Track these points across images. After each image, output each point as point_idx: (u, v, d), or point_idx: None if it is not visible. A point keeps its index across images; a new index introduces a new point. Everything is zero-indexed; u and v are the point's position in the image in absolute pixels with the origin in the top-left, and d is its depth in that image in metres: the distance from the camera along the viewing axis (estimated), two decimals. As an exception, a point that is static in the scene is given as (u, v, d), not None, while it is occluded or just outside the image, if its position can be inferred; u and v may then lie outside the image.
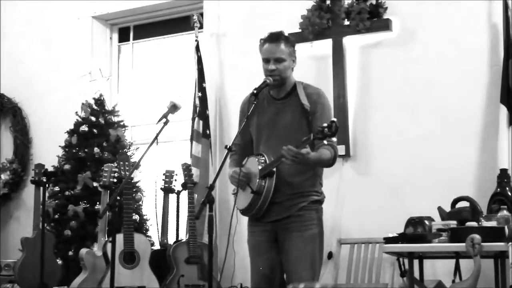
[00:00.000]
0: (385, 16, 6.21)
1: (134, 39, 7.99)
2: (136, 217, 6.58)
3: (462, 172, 5.82)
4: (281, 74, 4.43)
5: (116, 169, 6.11)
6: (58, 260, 6.57)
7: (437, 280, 5.42)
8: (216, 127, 6.93)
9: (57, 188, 6.85)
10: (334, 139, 4.32)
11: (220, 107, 6.96)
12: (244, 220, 4.64)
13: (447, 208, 5.10)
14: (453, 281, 5.09)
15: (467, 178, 5.80)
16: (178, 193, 6.50)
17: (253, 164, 4.42)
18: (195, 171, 6.51)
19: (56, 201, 6.82)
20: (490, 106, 5.79)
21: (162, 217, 6.48)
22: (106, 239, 6.00)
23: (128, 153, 6.84)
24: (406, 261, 4.98)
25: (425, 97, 6.07)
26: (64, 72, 7.85)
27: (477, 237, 4.42)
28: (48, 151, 7.42)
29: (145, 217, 6.90)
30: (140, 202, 6.87)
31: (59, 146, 7.09)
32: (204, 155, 6.69)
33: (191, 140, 6.74)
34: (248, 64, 6.41)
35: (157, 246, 6.55)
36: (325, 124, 4.03)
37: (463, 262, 5.09)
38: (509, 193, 5.19)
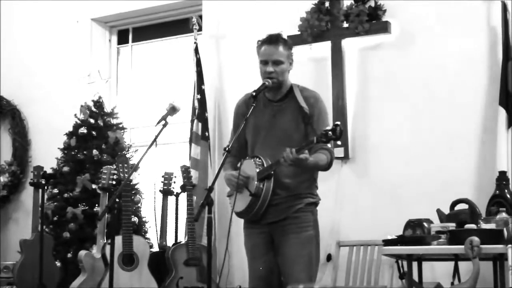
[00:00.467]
0: (384, 19, 6.22)
1: (133, 41, 8.00)
2: (135, 219, 6.58)
3: (461, 174, 5.83)
4: (279, 76, 4.43)
5: (115, 171, 6.11)
6: (57, 262, 6.58)
7: (436, 282, 5.42)
8: (215, 129, 6.93)
9: (56, 190, 6.85)
10: (329, 145, 4.34)
11: (219, 109, 6.97)
12: (243, 222, 4.64)
13: (446, 210, 5.10)
14: (452, 284, 5.09)
15: (466, 180, 5.81)
16: (177, 195, 6.50)
17: (250, 167, 4.41)
18: (194, 173, 6.51)
19: (55, 203, 6.81)
20: (489, 108, 5.79)
21: (161, 219, 6.48)
22: (105, 241, 5.99)
23: (127, 155, 6.83)
24: (405, 263, 4.97)
25: (424, 99, 6.07)
26: (63, 74, 7.85)
27: (476, 239, 4.42)
28: (47, 153, 7.42)
29: (144, 219, 6.90)
30: (139, 204, 6.87)
31: (58, 148, 7.08)
32: (203, 157, 6.69)
33: (190, 142, 6.74)
34: (247, 66, 6.42)
35: (156, 248, 6.55)
36: (329, 128, 4.03)
37: (462, 264, 5.08)
38: (508, 196, 5.19)
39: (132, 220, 6.26)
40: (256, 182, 4.34)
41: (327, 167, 4.42)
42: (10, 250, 7.53)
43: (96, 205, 6.57)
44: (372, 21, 6.22)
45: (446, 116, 5.97)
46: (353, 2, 6.31)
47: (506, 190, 5.23)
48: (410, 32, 6.17)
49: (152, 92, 7.77)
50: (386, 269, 5.94)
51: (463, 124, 5.90)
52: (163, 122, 4.56)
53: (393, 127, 6.17)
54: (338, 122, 4.08)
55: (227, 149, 4.24)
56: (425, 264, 5.42)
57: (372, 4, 6.25)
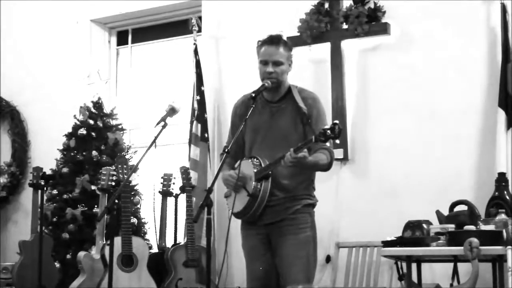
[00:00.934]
0: (384, 20, 6.22)
1: (133, 42, 8.00)
2: (134, 220, 6.57)
3: (460, 176, 5.83)
4: (278, 77, 4.44)
5: (114, 172, 6.11)
6: (56, 263, 6.57)
7: (435, 283, 5.41)
8: (214, 130, 6.93)
9: (55, 191, 6.85)
10: (328, 144, 4.34)
11: (219, 110, 6.97)
12: (240, 223, 4.64)
13: (445, 212, 5.10)
14: (451, 285, 5.09)
15: (465, 181, 5.81)
16: (176, 196, 6.50)
17: (248, 167, 4.41)
18: (193, 175, 6.51)
19: (54, 204, 6.81)
20: (488, 110, 5.79)
21: (160, 220, 6.48)
22: (104, 242, 5.99)
23: (126, 156, 6.82)
24: (404, 264, 4.98)
25: (423, 101, 6.07)
26: (62, 75, 7.85)
27: (475, 240, 4.42)
28: (46, 154, 7.42)
29: (143, 220, 6.90)
30: (138, 205, 6.87)
31: (57, 149, 7.08)
32: (203, 158, 6.69)
33: (190, 143, 6.74)
34: (247, 67, 6.42)
35: (155, 249, 6.54)
36: (327, 127, 4.04)
37: (461, 266, 5.08)
38: (507, 197, 5.20)
39: (132, 221, 6.25)
40: (253, 183, 4.34)
41: (327, 167, 4.41)
42: (9, 251, 7.53)
43: (96, 206, 6.57)
44: (372, 23, 6.22)
45: (445, 118, 5.97)
46: (352, 3, 6.31)
47: (505, 192, 5.23)
48: (409, 34, 6.18)
49: (151, 93, 7.77)
50: (385, 270, 5.94)
51: (462, 126, 5.90)
52: (162, 123, 4.56)
53: (393, 128, 6.17)
54: (337, 121, 4.08)
55: (226, 150, 4.24)
56: (424, 266, 5.42)
57: (372, 5, 6.25)
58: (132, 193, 6.63)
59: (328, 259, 6.19)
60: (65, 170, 6.89)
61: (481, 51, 5.90)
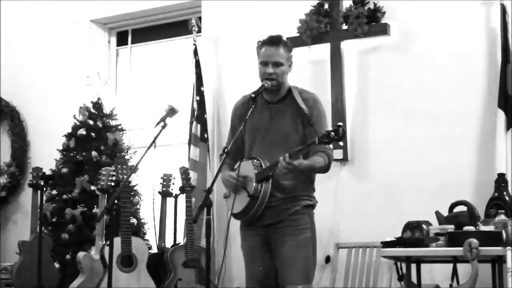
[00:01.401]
0: (383, 21, 6.22)
1: (132, 43, 8.00)
2: (133, 220, 6.57)
3: (459, 177, 5.83)
4: (279, 78, 4.44)
5: (114, 173, 6.11)
6: (55, 264, 6.58)
7: (434, 284, 5.42)
8: (214, 131, 6.93)
9: (54, 192, 6.86)
10: (330, 145, 4.34)
11: (218, 111, 6.97)
12: (239, 224, 4.64)
13: (445, 213, 5.10)
14: (451, 286, 5.09)
15: (464, 182, 5.81)
16: (176, 196, 6.50)
17: (248, 168, 4.41)
18: (193, 175, 6.51)
19: (54, 205, 6.82)
20: (488, 110, 5.79)
21: (160, 221, 6.48)
22: (104, 242, 5.99)
23: (126, 157, 6.83)
24: (403, 265, 4.98)
25: (423, 102, 6.07)
26: (62, 75, 7.85)
27: (474, 241, 4.42)
28: (46, 154, 7.43)
29: (142, 220, 6.90)
30: (138, 206, 6.87)
31: (57, 149, 7.09)
32: (202, 159, 6.69)
33: (189, 144, 6.74)
34: (246, 68, 6.42)
35: (154, 250, 6.54)
36: (331, 128, 4.04)
37: (460, 267, 5.09)
38: (507, 198, 5.19)
39: (131, 221, 6.25)
40: (254, 184, 4.34)
41: (324, 170, 4.42)
42: (8, 251, 7.53)
43: (95, 206, 6.57)
44: (371, 23, 6.22)
45: (445, 119, 5.97)
46: (352, 4, 6.31)
47: (505, 193, 5.22)
48: (409, 34, 6.18)
49: (151, 93, 7.77)
50: (384, 271, 5.94)
51: (462, 126, 5.90)
52: (162, 123, 4.57)
53: (392, 129, 6.17)
54: (341, 123, 4.09)
55: (226, 150, 4.24)
56: (423, 266, 5.41)
57: (371, 6, 6.25)
58: (132, 193, 6.63)
59: (327, 259, 6.19)
60: (64, 170, 6.89)
61: (481, 52, 5.90)
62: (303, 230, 4.43)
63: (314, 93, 4.61)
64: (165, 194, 6.47)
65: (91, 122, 7.01)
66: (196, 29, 6.94)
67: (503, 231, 4.52)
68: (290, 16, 6.51)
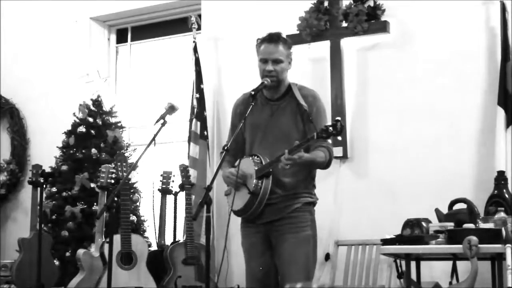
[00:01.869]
0: (383, 18, 6.22)
1: (132, 40, 8.01)
2: (133, 218, 6.57)
3: (459, 174, 5.83)
4: (278, 75, 4.44)
5: (114, 170, 6.11)
6: (55, 261, 6.57)
7: (434, 282, 5.42)
8: (213, 128, 6.93)
9: (54, 189, 6.86)
10: (329, 141, 4.34)
11: (218, 108, 6.97)
12: (240, 221, 4.64)
13: (444, 210, 5.10)
14: (450, 283, 5.10)
15: (464, 180, 5.81)
16: (176, 194, 6.50)
17: (248, 165, 4.41)
18: (192, 172, 6.51)
19: (54, 202, 6.82)
20: (488, 108, 5.80)
21: (160, 218, 6.48)
22: (104, 240, 6.00)
23: (126, 154, 6.83)
24: (403, 262, 4.98)
25: (423, 99, 6.08)
26: (62, 73, 7.85)
27: (474, 239, 4.43)
28: (45, 152, 7.43)
29: (142, 218, 6.90)
30: (138, 203, 6.87)
31: (57, 147, 7.09)
32: (202, 156, 6.69)
33: (189, 141, 6.74)
34: (246, 65, 6.42)
35: (154, 247, 6.55)
36: (329, 123, 4.04)
37: (460, 264, 5.10)
38: (506, 195, 5.20)
39: (131, 219, 6.25)
40: (254, 180, 4.34)
41: (325, 165, 4.41)
42: (8, 248, 7.53)
43: (95, 204, 6.57)
44: (371, 21, 6.22)
45: (444, 116, 5.98)
46: (352, 1, 6.32)
47: (504, 190, 5.23)
48: (409, 32, 6.18)
49: (151, 91, 7.77)
50: (384, 268, 5.94)
51: (461, 124, 5.90)
52: (161, 121, 4.56)
53: (392, 126, 6.18)
54: (339, 118, 4.09)
55: (225, 148, 4.24)
56: (423, 264, 5.42)
57: (371, 3, 6.25)
58: (132, 191, 6.63)
59: (327, 257, 6.19)
60: (64, 167, 6.89)
61: (481, 50, 5.90)
62: (304, 228, 4.42)
63: (314, 90, 4.61)
64: (164, 191, 6.47)
65: (90, 119, 7.01)
66: (196, 26, 6.93)
67: (503, 229, 4.52)
68: (290, 14, 6.51)
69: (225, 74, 6.98)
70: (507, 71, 5.64)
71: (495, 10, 5.81)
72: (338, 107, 6.27)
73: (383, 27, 6.20)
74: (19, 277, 6.49)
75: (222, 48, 7.03)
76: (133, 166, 4.77)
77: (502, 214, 4.68)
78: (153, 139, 4.53)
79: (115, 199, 5.76)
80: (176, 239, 6.39)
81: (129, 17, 7.84)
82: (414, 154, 6.04)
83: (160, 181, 6.46)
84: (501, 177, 5.32)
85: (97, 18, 7.89)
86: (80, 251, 6.05)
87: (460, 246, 4.48)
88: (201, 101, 6.78)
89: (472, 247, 4.42)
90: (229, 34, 7.00)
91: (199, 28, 7.03)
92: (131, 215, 6.38)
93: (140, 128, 7.65)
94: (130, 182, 6.50)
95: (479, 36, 5.92)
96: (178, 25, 7.58)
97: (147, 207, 6.70)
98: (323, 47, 6.41)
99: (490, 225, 4.64)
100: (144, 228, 6.90)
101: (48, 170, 6.73)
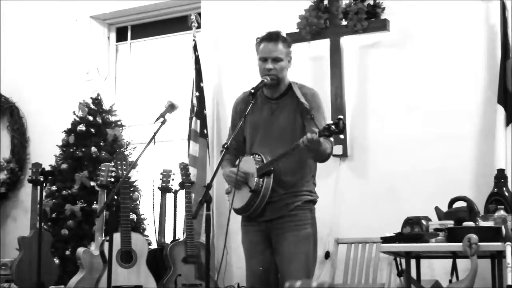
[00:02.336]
0: (383, 17, 6.22)
1: (132, 38, 8.01)
2: (133, 216, 6.58)
3: (459, 172, 5.83)
4: (278, 74, 4.44)
5: (114, 169, 6.11)
6: (55, 259, 6.58)
7: (434, 280, 5.42)
8: (213, 126, 6.93)
9: (54, 188, 6.86)
10: (332, 139, 4.33)
11: (218, 106, 6.97)
12: (240, 219, 4.64)
13: (444, 208, 5.10)
14: (450, 281, 5.09)
15: (464, 178, 5.81)
16: (176, 192, 6.50)
17: (249, 164, 4.41)
18: (192, 171, 6.51)
19: (53, 200, 6.82)
20: (487, 106, 5.80)
21: (160, 217, 6.48)
22: (103, 238, 6.00)
23: (126, 153, 6.83)
24: (403, 260, 4.98)
25: (423, 97, 6.08)
26: (61, 71, 7.85)
27: (474, 237, 4.43)
28: (45, 150, 7.43)
29: (142, 216, 6.91)
30: (138, 202, 6.87)
31: (57, 145, 7.09)
32: (202, 154, 6.69)
33: (189, 139, 6.74)
34: (246, 63, 6.42)
35: (154, 246, 6.55)
36: (331, 122, 4.04)
37: (460, 262, 5.09)
38: (506, 193, 5.20)
39: (131, 217, 6.26)
40: (256, 179, 4.34)
41: (327, 155, 4.36)
42: (8, 247, 7.53)
43: (95, 202, 6.57)
44: (371, 19, 6.22)
45: (444, 114, 5.97)
46: (351, -1, 6.32)
47: (504, 188, 5.23)
48: (408, 30, 6.18)
49: (150, 89, 7.77)
50: (384, 266, 5.95)
51: (461, 122, 5.90)
52: (161, 119, 4.56)
53: (392, 125, 6.18)
54: (341, 116, 4.09)
55: (225, 146, 4.24)
56: (423, 262, 5.42)
57: (371, 2, 6.25)
58: (131, 189, 6.64)
59: (327, 255, 6.19)
60: (64, 166, 6.89)
61: (481, 48, 5.90)
62: (304, 226, 4.42)
63: (314, 88, 4.61)
64: (164, 189, 6.47)
65: (90, 118, 7.01)
66: (196, 25, 6.93)
67: (503, 227, 4.53)
68: (290, 12, 6.51)
69: (225, 72, 6.98)
70: (507, 69, 5.64)
71: (495, 8, 5.81)
72: (338, 105, 6.27)
73: (383, 26, 6.19)
74: (19, 276, 6.49)
75: (222, 47, 7.03)
76: (133, 165, 4.78)
77: (502, 212, 4.68)
78: (153, 137, 4.53)
79: (115, 197, 5.75)
80: (176, 238, 6.39)
81: (129, 15, 7.84)
82: (414, 152, 6.04)
83: (160, 179, 6.46)
84: (501, 175, 5.32)
85: (97, 16, 7.89)
86: (80, 250, 6.04)
87: (460, 244, 4.48)
88: (201, 99, 6.78)
89: (472, 245, 4.42)
90: (229, 32, 7.00)
91: (199, 27, 7.02)
92: (131, 213, 6.39)
93: (140, 126, 7.64)
94: (130, 180, 6.50)
95: (479, 34, 5.92)
96: (178, 23, 7.58)
97: (147, 205, 6.71)
98: (323, 45, 6.41)
99: (490, 223, 4.64)
100: (144, 227, 6.90)
101: (48, 168, 6.74)
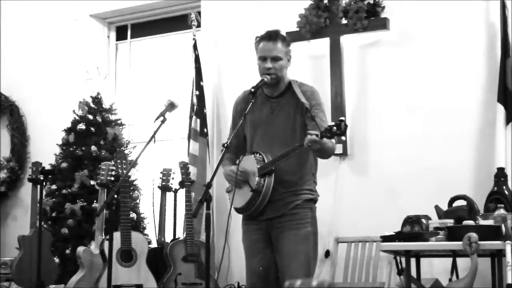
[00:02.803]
0: (383, 15, 6.22)
1: (132, 37, 8.00)
2: (133, 215, 6.58)
3: (459, 171, 5.83)
4: (277, 72, 4.44)
5: (114, 168, 6.11)
6: (55, 258, 6.58)
7: (434, 278, 5.42)
8: (213, 125, 6.93)
9: (54, 186, 6.86)
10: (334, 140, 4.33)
11: (218, 105, 6.97)
12: (241, 218, 4.64)
13: (444, 207, 5.10)
14: (450, 280, 5.10)
15: (464, 176, 5.81)
16: (176, 191, 6.50)
17: (251, 163, 4.41)
18: (192, 170, 6.51)
19: (53, 199, 6.82)
20: (487, 105, 5.79)
21: (160, 215, 6.48)
22: (103, 237, 6.00)
23: (126, 152, 6.83)
24: (403, 259, 4.98)
25: (422, 96, 6.08)
26: (61, 70, 7.85)
27: (474, 235, 4.43)
28: (45, 149, 7.42)
29: (142, 215, 6.91)
30: (138, 200, 6.87)
31: (57, 144, 7.09)
32: (202, 153, 6.69)
33: (189, 138, 6.74)
34: (246, 62, 6.40)
35: (154, 244, 6.55)
36: (333, 123, 4.04)
37: (460, 261, 5.10)
38: (506, 192, 5.20)
39: (131, 216, 6.25)
40: (257, 178, 4.34)
41: (331, 151, 4.36)
42: (8, 246, 7.52)
43: (95, 201, 6.57)
44: (371, 18, 6.21)
45: (444, 113, 5.97)
46: (351, -2, 6.32)
47: (504, 187, 5.23)
48: (408, 29, 6.17)
49: (150, 88, 7.77)
50: (384, 265, 5.94)
51: (461, 121, 5.90)
52: (161, 118, 4.56)
53: (392, 123, 6.17)
54: (343, 118, 4.09)
55: (225, 145, 4.24)
56: (423, 260, 5.42)
57: (371, 0, 6.24)
58: (131, 188, 6.63)
59: (327, 254, 6.19)
60: (64, 165, 6.89)
61: (481, 46, 5.90)
62: (304, 224, 4.43)
63: (314, 87, 4.61)
64: (164, 188, 6.47)
65: (90, 116, 7.01)
66: (196, 23, 6.93)
67: (503, 225, 4.53)
68: (290, 11, 6.51)
69: (225, 71, 6.97)
70: (507, 68, 5.64)
71: (495, 7, 5.80)
72: (338, 104, 6.27)
73: (383, 24, 6.19)
74: (19, 275, 6.49)
75: (222, 45, 7.02)
76: (133, 164, 4.77)
77: (502, 211, 4.68)
78: (153, 136, 4.53)
79: (115, 196, 5.74)
80: (176, 236, 6.39)
81: (128, 14, 7.84)
82: (414, 151, 6.04)
83: (160, 178, 6.47)
84: (501, 173, 5.31)
85: (97, 15, 7.89)
86: (80, 249, 6.04)
87: (460, 243, 4.48)
88: (201, 98, 6.78)
89: (472, 244, 4.42)
90: (229, 31, 6.99)
91: (199, 26, 7.02)
92: (131, 212, 6.38)
93: (140, 125, 7.64)
94: (130, 179, 6.50)
95: (479, 33, 5.91)
96: (178, 22, 7.57)
97: (147, 204, 6.70)
98: (323, 44, 6.41)
99: (490, 222, 4.64)
100: (144, 226, 6.90)
101: (48, 167, 6.73)
